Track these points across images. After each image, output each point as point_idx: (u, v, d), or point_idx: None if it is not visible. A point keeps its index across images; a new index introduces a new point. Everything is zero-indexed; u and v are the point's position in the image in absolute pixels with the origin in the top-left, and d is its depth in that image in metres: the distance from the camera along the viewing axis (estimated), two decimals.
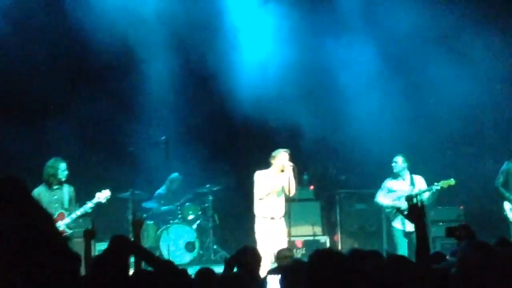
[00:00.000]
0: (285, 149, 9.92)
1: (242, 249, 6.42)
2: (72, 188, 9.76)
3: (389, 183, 11.01)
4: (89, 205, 9.53)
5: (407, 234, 10.66)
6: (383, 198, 10.99)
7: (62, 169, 9.69)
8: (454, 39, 13.01)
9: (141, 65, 13.33)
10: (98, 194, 9.66)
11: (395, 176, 10.94)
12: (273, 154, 9.90)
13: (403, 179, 10.91)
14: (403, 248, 10.65)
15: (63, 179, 9.67)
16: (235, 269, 6.06)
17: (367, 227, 12.83)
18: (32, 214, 1.67)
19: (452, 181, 10.52)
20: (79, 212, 9.49)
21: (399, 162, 10.92)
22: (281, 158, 9.81)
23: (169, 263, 5.35)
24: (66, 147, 11.89)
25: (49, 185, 9.60)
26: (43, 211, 1.71)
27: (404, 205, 10.29)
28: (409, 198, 5.34)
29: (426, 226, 4.75)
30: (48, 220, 1.75)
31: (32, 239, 1.65)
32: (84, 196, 9.76)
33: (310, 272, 3.86)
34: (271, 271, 5.37)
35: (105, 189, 9.76)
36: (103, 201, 9.70)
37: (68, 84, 13.20)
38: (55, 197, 9.52)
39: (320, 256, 3.96)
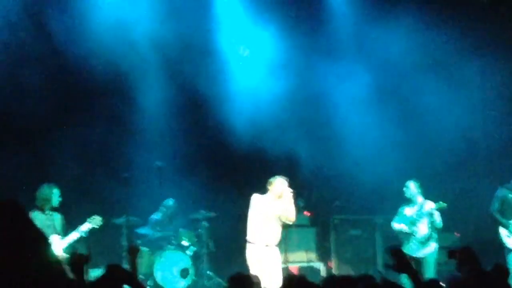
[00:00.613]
0: (283, 176, 9.87)
1: (235, 275, 6.39)
2: (62, 216, 9.76)
3: (404, 208, 10.98)
4: (83, 228, 9.54)
5: (413, 259, 10.55)
6: (396, 224, 10.97)
7: (56, 195, 9.69)
8: (446, 65, 13.11)
9: (135, 90, 13.35)
10: (89, 220, 9.68)
11: (408, 201, 10.93)
12: (271, 180, 9.82)
13: (416, 204, 10.89)
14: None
15: (56, 206, 9.67)
16: None
17: (362, 253, 12.80)
18: (33, 239, 1.66)
19: (444, 205, 10.55)
20: (74, 235, 9.48)
21: (411, 187, 10.93)
22: (279, 184, 9.75)
23: None
24: (60, 172, 11.87)
25: (42, 210, 9.58)
26: (42, 235, 1.70)
27: (412, 229, 10.63)
28: (389, 250, 5.28)
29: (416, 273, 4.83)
30: (48, 244, 1.75)
31: (33, 264, 1.64)
32: (77, 221, 9.75)
33: None
34: None
35: (96, 215, 9.77)
36: (96, 227, 9.72)
37: (62, 109, 13.16)
38: (49, 222, 9.49)
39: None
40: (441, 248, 10.72)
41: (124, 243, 11.95)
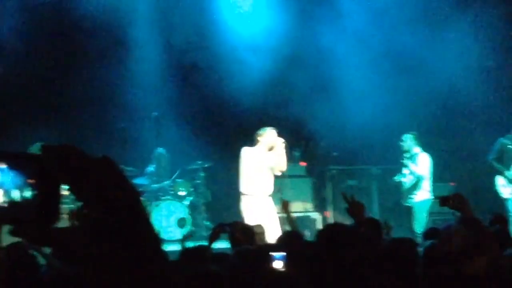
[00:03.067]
0: (272, 127, 9.79)
1: (234, 222, 6.43)
2: None
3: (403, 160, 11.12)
4: None
5: (407, 209, 10.98)
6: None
7: (34, 150, 9.67)
8: (440, 17, 13.00)
9: (133, 38, 13.31)
10: None
11: (407, 154, 11.02)
12: (260, 132, 9.70)
13: (411, 154, 11.00)
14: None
15: None
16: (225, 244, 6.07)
17: None
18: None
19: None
20: None
21: (407, 140, 11.01)
22: (269, 135, 9.67)
23: None
24: (57, 123, 11.86)
25: None
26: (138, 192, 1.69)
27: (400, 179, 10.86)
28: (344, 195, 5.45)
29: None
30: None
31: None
32: None
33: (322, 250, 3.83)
34: (272, 248, 5.35)
35: None
36: None
37: (63, 60, 13.15)
38: None
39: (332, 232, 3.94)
40: (436, 197, 10.77)
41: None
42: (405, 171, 10.97)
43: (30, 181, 1.67)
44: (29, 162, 1.71)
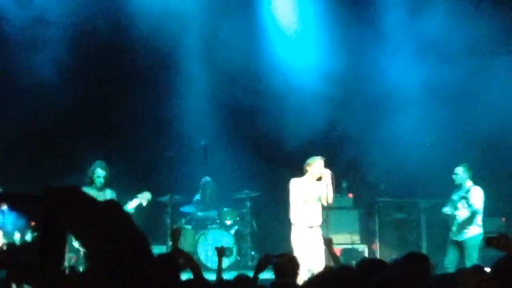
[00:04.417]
0: (321, 157, 9.83)
1: (280, 254, 6.40)
2: (114, 194, 9.83)
3: (454, 193, 10.95)
4: (130, 205, 9.61)
5: (453, 243, 10.71)
6: (446, 208, 10.97)
7: (97, 175, 9.77)
8: (498, 50, 12.84)
9: (182, 71, 13.43)
10: (139, 196, 9.76)
11: (459, 187, 10.85)
12: (309, 161, 9.81)
13: (464, 188, 10.81)
14: (448, 258, 10.67)
15: (98, 186, 9.75)
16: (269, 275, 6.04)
17: (406, 236, 12.70)
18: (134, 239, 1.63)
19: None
20: None
21: (459, 172, 10.82)
22: (317, 165, 9.71)
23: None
24: (106, 149, 11.99)
25: (92, 186, 9.70)
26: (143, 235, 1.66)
27: (454, 213, 10.66)
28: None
29: None
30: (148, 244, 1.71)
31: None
32: (123, 200, 9.82)
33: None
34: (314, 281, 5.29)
35: (145, 191, 9.84)
36: (144, 203, 9.78)
37: (113, 85, 13.34)
38: (100, 198, 9.51)
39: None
40: (486, 233, 10.58)
41: (168, 221, 12.04)
42: (459, 204, 10.73)
43: (33, 223, 1.64)
44: (32, 204, 1.66)
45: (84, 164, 10.39)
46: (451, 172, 10.88)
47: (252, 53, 13.53)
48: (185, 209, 13.00)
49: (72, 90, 12.78)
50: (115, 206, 1.69)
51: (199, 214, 12.99)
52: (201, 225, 12.84)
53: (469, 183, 10.73)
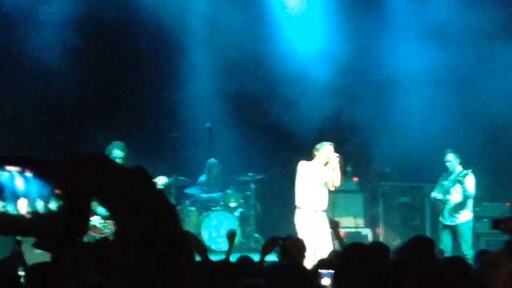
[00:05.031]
0: (330, 142, 9.85)
1: (287, 236, 6.41)
2: None
3: (443, 178, 11.00)
4: None
5: (446, 227, 10.82)
6: (435, 193, 11.02)
7: (114, 155, 9.69)
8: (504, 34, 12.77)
9: (188, 53, 13.41)
10: (154, 180, 9.78)
11: (448, 171, 10.89)
12: (317, 146, 9.84)
13: (455, 173, 10.84)
14: (443, 242, 10.67)
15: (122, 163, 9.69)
16: (275, 257, 6.05)
17: (410, 220, 12.71)
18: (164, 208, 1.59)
19: (468, 171, 10.58)
20: None
21: (452, 159, 10.85)
22: (326, 150, 9.73)
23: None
24: (111, 131, 11.99)
25: None
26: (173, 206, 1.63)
27: (446, 197, 10.72)
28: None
29: None
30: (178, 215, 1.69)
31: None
32: None
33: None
34: (321, 265, 5.29)
35: (162, 176, 9.85)
36: (160, 187, 9.78)
37: (118, 68, 13.33)
38: None
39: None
40: (491, 218, 10.57)
41: (172, 202, 12.03)
42: (452, 189, 10.77)
43: (57, 191, 1.60)
44: (56, 171, 1.63)
45: (89, 145, 10.37)
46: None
47: (259, 37, 13.51)
48: (190, 190, 13.00)
49: (77, 72, 12.75)
50: (144, 174, 1.65)
51: (204, 196, 12.99)
52: (205, 207, 12.84)
53: (459, 168, 10.78)
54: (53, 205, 1.62)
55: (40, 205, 1.63)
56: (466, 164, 10.90)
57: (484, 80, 12.66)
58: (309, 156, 9.90)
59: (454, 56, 12.59)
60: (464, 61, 12.59)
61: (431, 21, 13.03)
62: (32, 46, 12.15)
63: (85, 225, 1.63)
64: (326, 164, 9.72)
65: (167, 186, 11.84)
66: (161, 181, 9.79)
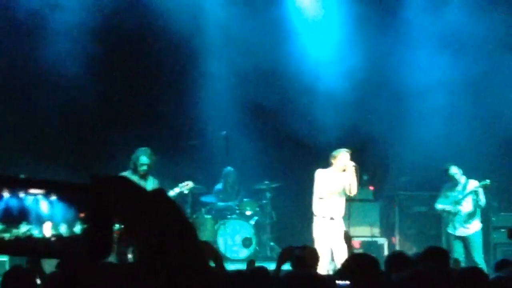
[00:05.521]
0: (346, 149, 9.88)
1: (302, 246, 6.41)
2: (157, 182, 9.84)
3: (447, 189, 11.01)
4: (172, 193, 9.71)
5: (458, 238, 10.85)
6: (440, 204, 11.03)
7: (141, 162, 9.78)
8: None
9: (205, 62, 13.46)
10: (180, 185, 9.87)
11: (451, 182, 10.90)
12: (334, 153, 9.87)
13: (460, 184, 10.85)
14: (457, 252, 10.64)
15: (141, 173, 9.76)
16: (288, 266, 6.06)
17: (426, 230, 12.68)
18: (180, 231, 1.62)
19: (487, 182, 10.56)
20: None
21: (458, 172, 10.86)
22: (343, 157, 9.76)
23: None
24: (130, 138, 12.06)
25: (136, 172, 9.72)
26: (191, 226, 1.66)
27: (457, 208, 10.74)
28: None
29: None
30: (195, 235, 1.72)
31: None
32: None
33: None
34: (339, 276, 5.29)
35: (189, 181, 9.96)
36: (186, 191, 9.90)
37: (133, 78, 13.41)
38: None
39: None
40: (508, 228, 10.56)
41: (188, 210, 12.09)
42: (464, 200, 10.77)
43: (82, 215, 1.63)
44: (80, 194, 1.66)
45: (108, 152, 10.43)
46: (473, 166, 10.90)
47: (275, 46, 13.51)
48: (206, 198, 13.03)
49: (95, 82, 12.85)
50: (163, 195, 1.68)
51: (219, 204, 13.02)
52: (220, 215, 12.86)
53: (463, 179, 10.82)
54: (77, 229, 1.65)
55: (63, 229, 1.66)
56: (483, 174, 10.88)
57: (500, 89, 12.62)
58: (326, 165, 9.92)
59: (470, 65, 12.57)
60: (480, 71, 12.57)
61: (446, 30, 13.03)
62: (48, 55, 12.25)
63: (108, 246, 1.66)
64: (343, 171, 9.74)
65: (184, 194, 11.91)
66: (188, 186, 9.91)
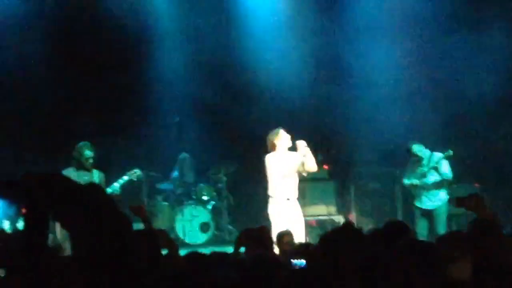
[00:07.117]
0: (279, 127, 9.66)
1: (259, 228, 6.44)
2: (102, 174, 9.70)
3: (413, 163, 11.04)
4: (120, 182, 9.62)
5: (424, 212, 10.80)
6: (407, 179, 11.05)
7: (85, 156, 9.62)
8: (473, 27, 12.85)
9: (155, 47, 13.38)
10: (128, 173, 9.76)
11: (416, 156, 10.93)
12: (272, 136, 9.58)
13: (424, 157, 10.90)
14: (421, 225, 10.76)
15: (88, 166, 9.61)
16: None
17: (382, 206, 12.80)
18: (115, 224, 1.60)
19: (450, 152, 10.58)
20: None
21: (419, 149, 10.90)
22: (283, 137, 9.52)
23: None
24: (81, 128, 11.97)
25: (78, 167, 9.53)
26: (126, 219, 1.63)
27: (423, 182, 10.67)
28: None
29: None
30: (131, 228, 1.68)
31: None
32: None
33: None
34: (294, 255, 5.31)
35: (136, 169, 9.85)
36: (135, 179, 9.81)
37: (87, 67, 13.28)
38: (84, 178, 9.28)
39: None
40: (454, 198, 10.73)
41: (144, 198, 12.05)
42: (430, 174, 10.84)
43: (24, 211, 1.61)
44: (14, 190, 1.64)
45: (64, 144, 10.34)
46: (426, 140, 11.00)
47: (226, 36, 13.47)
48: (161, 186, 13.00)
49: (47, 70, 12.72)
50: (96, 190, 1.67)
51: (176, 190, 13.00)
52: (177, 202, 12.86)
53: (427, 153, 10.86)
54: (20, 225, 1.63)
55: (6, 225, 1.64)
56: (433, 149, 10.99)
57: (460, 70, 12.78)
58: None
59: (429, 46, 12.72)
60: (440, 52, 12.72)
61: (398, 12, 13.09)
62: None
63: (42, 241, 1.64)
64: (291, 149, 9.54)
65: (139, 181, 11.84)
66: (135, 173, 9.81)
